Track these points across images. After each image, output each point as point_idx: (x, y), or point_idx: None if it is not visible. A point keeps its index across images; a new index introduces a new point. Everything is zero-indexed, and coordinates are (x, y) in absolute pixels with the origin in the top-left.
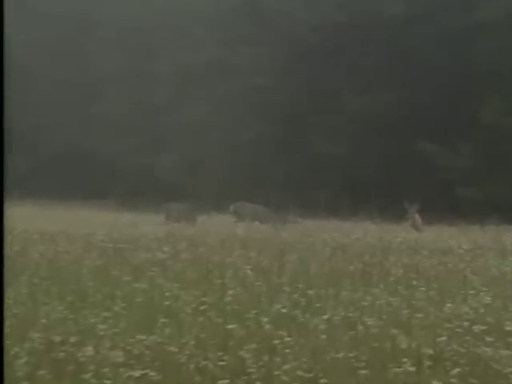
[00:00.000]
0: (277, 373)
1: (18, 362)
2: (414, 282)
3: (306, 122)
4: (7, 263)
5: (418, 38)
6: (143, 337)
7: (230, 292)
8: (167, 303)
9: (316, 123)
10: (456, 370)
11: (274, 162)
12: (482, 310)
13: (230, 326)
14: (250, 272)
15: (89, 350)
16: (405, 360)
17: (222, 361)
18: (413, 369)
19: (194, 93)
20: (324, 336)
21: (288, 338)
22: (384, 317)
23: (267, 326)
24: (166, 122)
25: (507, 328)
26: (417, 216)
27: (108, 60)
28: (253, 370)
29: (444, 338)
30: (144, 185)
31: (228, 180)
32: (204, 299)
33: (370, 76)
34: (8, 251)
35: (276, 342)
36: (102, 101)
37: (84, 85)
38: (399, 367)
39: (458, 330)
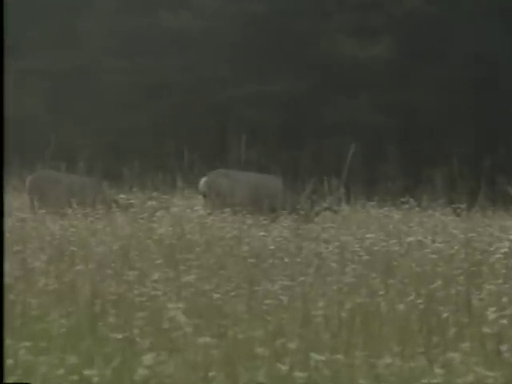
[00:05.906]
0: None
1: None
2: None
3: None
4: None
5: None
6: None
7: (147, 358)
8: (11, 382)
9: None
10: None
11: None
12: None
13: None
14: (183, 317)
15: None
16: None
17: None
18: None
19: None
20: None
21: None
22: None
23: None
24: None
25: None
26: None
27: None
28: None
29: None
30: None
31: (159, 121)
32: (87, 374)
33: None
34: None
35: None
36: None
37: None
38: None
39: None
